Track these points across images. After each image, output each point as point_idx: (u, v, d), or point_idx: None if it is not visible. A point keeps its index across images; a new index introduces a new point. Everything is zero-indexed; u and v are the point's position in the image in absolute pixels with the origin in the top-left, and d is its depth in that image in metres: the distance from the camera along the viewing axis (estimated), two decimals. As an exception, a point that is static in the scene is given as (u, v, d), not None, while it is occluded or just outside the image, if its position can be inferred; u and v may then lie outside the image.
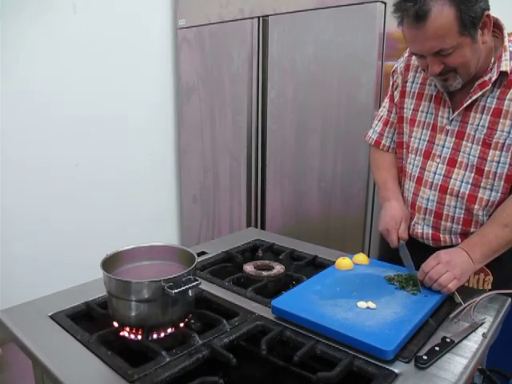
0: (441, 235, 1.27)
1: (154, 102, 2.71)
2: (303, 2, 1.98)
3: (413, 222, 1.31)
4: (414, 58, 1.27)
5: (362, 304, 1.01)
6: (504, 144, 1.12)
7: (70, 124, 2.34)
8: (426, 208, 1.27)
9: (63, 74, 2.27)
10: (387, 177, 1.40)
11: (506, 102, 1.10)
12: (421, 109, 1.27)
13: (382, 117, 1.43)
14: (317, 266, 1.35)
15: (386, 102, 1.42)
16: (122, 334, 0.96)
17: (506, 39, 1.11)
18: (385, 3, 1.79)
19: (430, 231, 1.28)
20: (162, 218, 2.87)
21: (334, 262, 1.26)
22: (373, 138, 1.45)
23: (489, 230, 1.15)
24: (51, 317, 1.02)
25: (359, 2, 1.82)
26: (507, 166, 1.13)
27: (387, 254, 1.34)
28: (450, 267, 1.07)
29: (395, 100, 1.36)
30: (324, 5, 1.93)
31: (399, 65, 1.35)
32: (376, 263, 1.27)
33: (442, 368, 0.85)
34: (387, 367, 0.84)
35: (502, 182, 1.15)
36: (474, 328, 0.97)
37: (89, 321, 1.05)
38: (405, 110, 1.32)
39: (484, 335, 0.95)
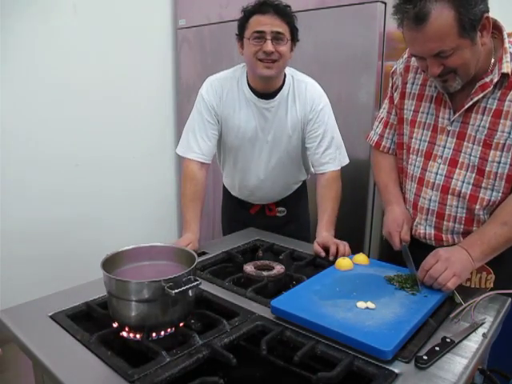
0: (443, 235, 1.27)
1: (154, 101, 2.72)
2: (303, 2, 1.98)
3: (415, 223, 1.31)
4: (413, 59, 1.27)
5: (361, 304, 1.01)
6: (505, 144, 1.12)
7: (69, 124, 2.34)
8: (428, 208, 1.26)
9: (63, 74, 2.27)
10: (388, 180, 1.40)
11: (507, 103, 1.10)
12: (421, 110, 1.27)
13: (382, 118, 1.42)
14: (317, 266, 1.35)
15: (385, 104, 1.42)
16: (121, 334, 0.96)
17: (506, 40, 1.11)
18: (385, 3, 1.79)
19: (433, 231, 1.28)
20: (162, 217, 2.86)
21: (334, 262, 1.26)
22: (373, 140, 1.45)
23: (488, 229, 1.15)
24: (51, 317, 1.01)
25: (359, 2, 1.82)
26: (508, 166, 1.13)
27: (389, 254, 1.34)
28: (449, 264, 1.07)
29: (395, 101, 1.36)
30: (324, 5, 1.93)
31: (398, 66, 1.35)
32: (376, 263, 1.27)
33: (442, 368, 0.85)
34: (387, 367, 0.84)
35: (503, 182, 1.15)
36: (474, 328, 0.97)
37: (89, 321, 1.05)
38: (405, 111, 1.32)
39: (484, 335, 0.95)
